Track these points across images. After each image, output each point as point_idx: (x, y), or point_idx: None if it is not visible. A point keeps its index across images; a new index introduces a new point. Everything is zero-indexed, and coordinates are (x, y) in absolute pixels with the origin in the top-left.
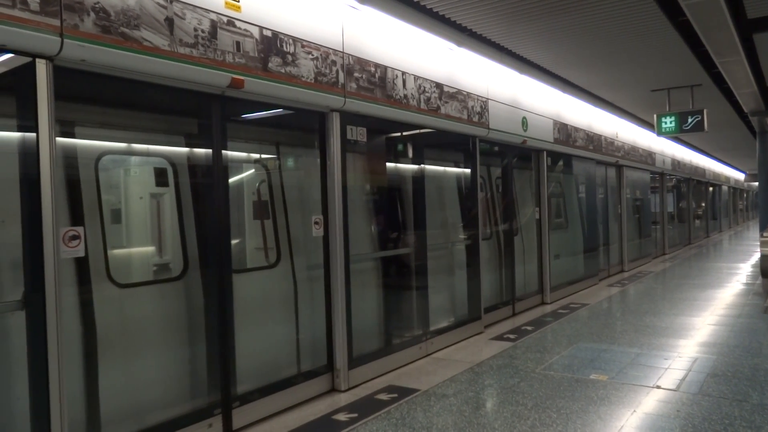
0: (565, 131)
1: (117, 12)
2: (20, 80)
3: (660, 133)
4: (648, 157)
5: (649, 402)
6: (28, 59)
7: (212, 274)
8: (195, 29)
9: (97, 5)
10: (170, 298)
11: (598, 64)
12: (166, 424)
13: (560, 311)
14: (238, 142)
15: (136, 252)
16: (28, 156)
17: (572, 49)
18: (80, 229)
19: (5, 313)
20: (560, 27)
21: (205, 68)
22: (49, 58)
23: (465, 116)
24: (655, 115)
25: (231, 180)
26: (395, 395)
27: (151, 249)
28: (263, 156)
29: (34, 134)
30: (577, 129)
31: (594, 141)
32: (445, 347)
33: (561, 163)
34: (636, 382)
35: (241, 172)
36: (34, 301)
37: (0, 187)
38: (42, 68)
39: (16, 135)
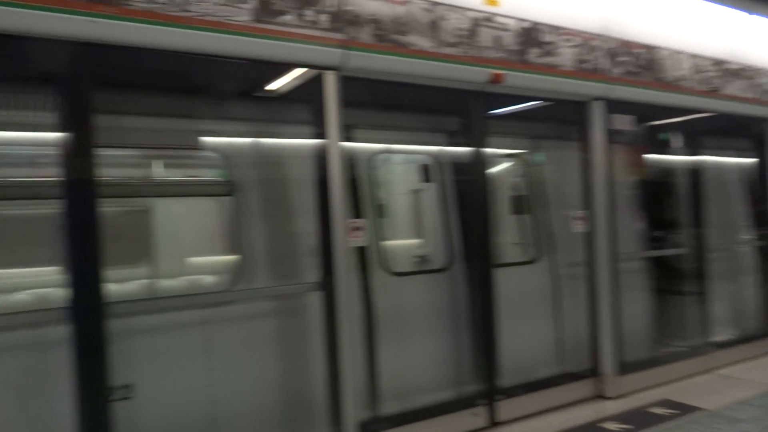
0: None
1: (389, 21)
2: (311, 91)
3: None
4: None
5: None
6: (317, 72)
7: (475, 267)
8: (456, 29)
9: (372, 17)
10: (437, 288)
11: None
12: (435, 407)
13: None
14: (496, 136)
15: (403, 244)
16: (320, 158)
17: None
18: (362, 221)
19: (307, 292)
20: None
21: (465, 66)
22: (335, 69)
23: (751, 96)
24: None
25: (490, 174)
26: (675, 411)
27: (416, 241)
28: (520, 150)
29: (324, 139)
30: None
31: None
32: (731, 364)
33: None
34: None
35: (499, 166)
36: (327, 284)
37: (299, 186)
38: (329, 79)
39: (310, 141)
